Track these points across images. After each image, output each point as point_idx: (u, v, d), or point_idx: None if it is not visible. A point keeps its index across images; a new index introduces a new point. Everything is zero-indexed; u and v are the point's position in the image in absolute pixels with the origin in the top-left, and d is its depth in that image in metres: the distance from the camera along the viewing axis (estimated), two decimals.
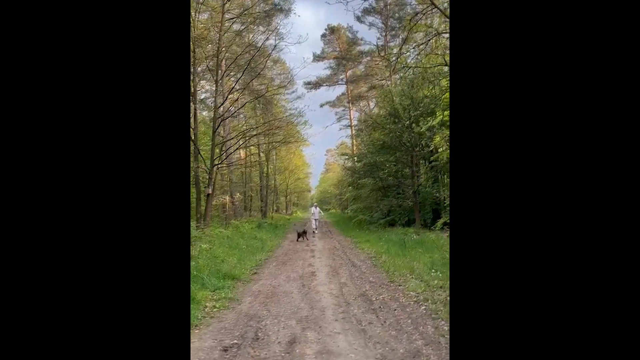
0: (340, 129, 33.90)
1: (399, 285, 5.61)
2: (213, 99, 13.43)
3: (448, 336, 3.48)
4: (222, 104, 12.14)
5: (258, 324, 4.04)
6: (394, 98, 14.46)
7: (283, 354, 3.21)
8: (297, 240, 11.20)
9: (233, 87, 14.01)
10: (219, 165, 12.64)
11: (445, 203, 13.42)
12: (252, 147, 21.50)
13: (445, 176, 14.32)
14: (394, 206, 14.93)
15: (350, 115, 32.07)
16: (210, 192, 11.38)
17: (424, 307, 4.43)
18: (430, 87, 11.60)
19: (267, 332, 3.76)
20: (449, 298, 4.57)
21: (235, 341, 3.53)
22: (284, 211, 39.50)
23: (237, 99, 13.80)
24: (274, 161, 27.51)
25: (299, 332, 3.72)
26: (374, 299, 4.94)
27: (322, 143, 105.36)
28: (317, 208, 14.89)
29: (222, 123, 13.00)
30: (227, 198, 16.87)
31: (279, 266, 7.80)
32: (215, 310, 4.56)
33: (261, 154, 23.92)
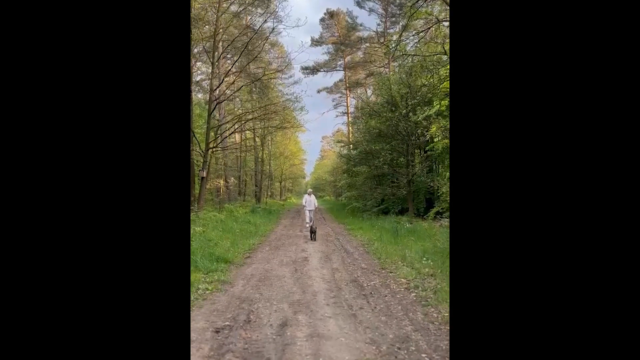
0: (337, 116, 33.81)
1: (390, 272, 5.68)
2: (209, 81, 13.23)
3: (437, 323, 3.55)
4: (217, 87, 11.98)
5: (250, 306, 4.08)
6: (392, 86, 14.37)
7: (274, 337, 3.25)
8: (311, 239, 9.19)
9: (229, 70, 13.81)
10: (214, 149, 12.55)
11: (438, 192, 13.52)
12: (247, 132, 21.34)
13: (440, 166, 14.38)
14: (387, 195, 14.99)
15: (347, 102, 31.86)
16: (204, 175, 11.33)
17: (414, 294, 4.50)
18: (429, 76, 11.52)
19: (259, 315, 3.80)
20: (438, 286, 4.65)
21: (227, 323, 3.57)
22: (278, 197, 39.54)
23: (233, 82, 13.63)
24: (269, 146, 27.38)
25: (291, 316, 3.77)
26: (365, 284, 5.00)
27: (318, 130, 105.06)
28: (312, 196, 11.33)
29: (217, 106, 12.86)
30: (222, 182, 16.80)
31: (272, 251, 7.85)
32: (207, 292, 4.59)
33: (256, 139, 23.78)
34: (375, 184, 16.53)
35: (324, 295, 4.53)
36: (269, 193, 33.85)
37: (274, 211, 20.07)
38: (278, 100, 17.42)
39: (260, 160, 24.64)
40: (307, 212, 10.81)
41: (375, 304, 4.15)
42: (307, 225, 10.30)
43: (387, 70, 20.88)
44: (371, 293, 4.60)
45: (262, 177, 25.12)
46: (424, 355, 2.90)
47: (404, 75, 14.02)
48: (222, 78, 12.78)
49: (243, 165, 22.12)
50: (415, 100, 12.98)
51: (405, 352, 2.96)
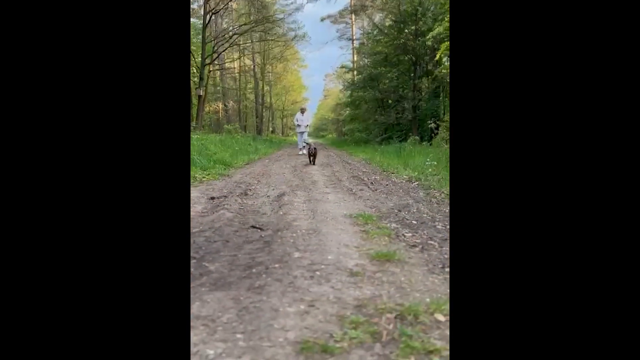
0: (341, 48, 32.00)
1: (392, 173, 5.55)
2: None
3: (440, 199, 3.43)
4: None
5: (248, 187, 3.98)
6: (401, 6, 13.26)
7: (272, 202, 3.15)
8: (310, 163, 6.86)
9: None
10: (211, 68, 11.91)
11: (444, 119, 13.08)
12: (245, 58, 20.27)
13: (447, 92, 13.79)
14: (392, 121, 14.60)
15: (352, 29, 30.01)
16: (201, 93, 10.88)
17: (416, 183, 4.38)
18: None
19: (256, 192, 3.70)
20: (442, 179, 4.50)
21: (224, 195, 3.47)
22: (280, 134, 39.05)
23: None
24: (269, 77, 26.31)
25: (289, 192, 3.67)
26: (366, 179, 4.88)
27: (321, 70, 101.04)
28: (305, 114, 9.27)
29: (213, 20, 11.96)
30: (220, 105, 16.25)
31: (273, 162, 7.73)
32: (204, 179, 4.48)
33: (256, 68, 22.70)
34: (380, 112, 16.02)
35: (324, 182, 4.42)
36: (271, 128, 33.36)
37: (276, 142, 19.81)
38: (277, 24, 16.23)
39: (261, 89, 23.74)
40: (299, 136, 8.71)
41: (376, 188, 4.04)
42: (301, 152, 8.30)
43: None
44: (372, 183, 4.49)
45: (263, 109, 24.44)
46: (424, 215, 2.80)
47: None
48: None
49: (243, 91, 21.27)
50: (428, 11, 11.99)
51: (407, 212, 2.86)
